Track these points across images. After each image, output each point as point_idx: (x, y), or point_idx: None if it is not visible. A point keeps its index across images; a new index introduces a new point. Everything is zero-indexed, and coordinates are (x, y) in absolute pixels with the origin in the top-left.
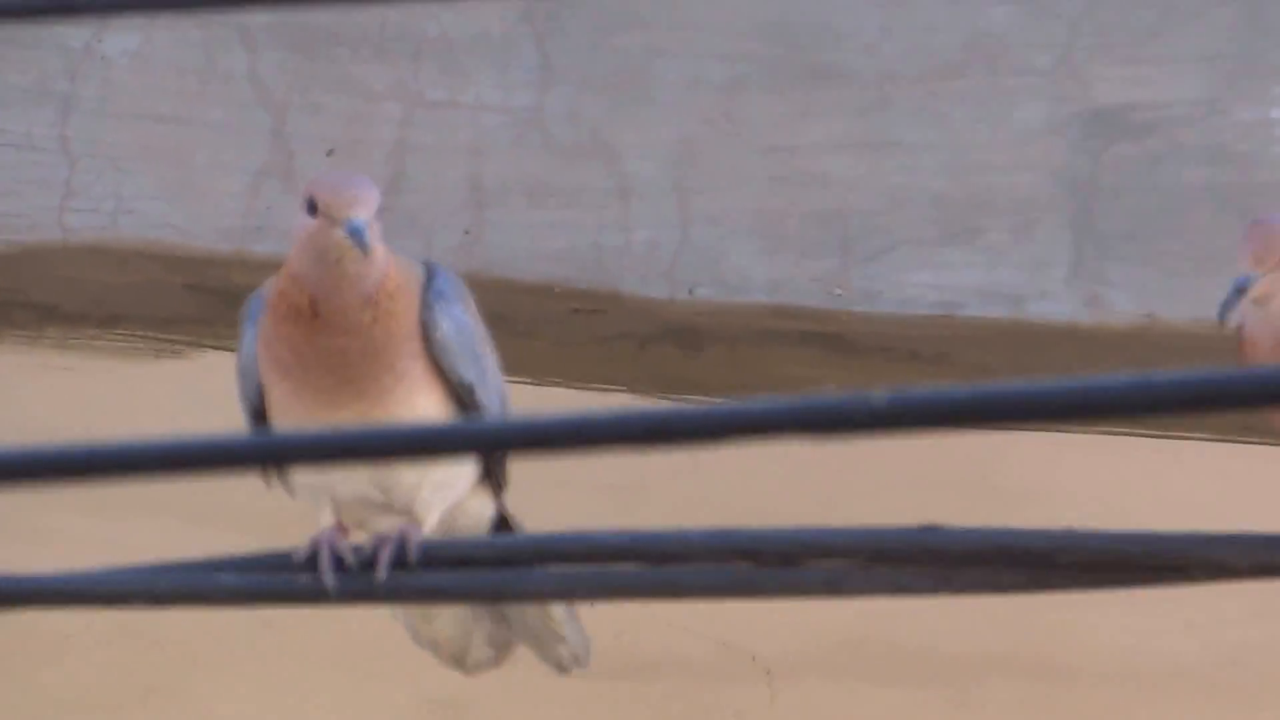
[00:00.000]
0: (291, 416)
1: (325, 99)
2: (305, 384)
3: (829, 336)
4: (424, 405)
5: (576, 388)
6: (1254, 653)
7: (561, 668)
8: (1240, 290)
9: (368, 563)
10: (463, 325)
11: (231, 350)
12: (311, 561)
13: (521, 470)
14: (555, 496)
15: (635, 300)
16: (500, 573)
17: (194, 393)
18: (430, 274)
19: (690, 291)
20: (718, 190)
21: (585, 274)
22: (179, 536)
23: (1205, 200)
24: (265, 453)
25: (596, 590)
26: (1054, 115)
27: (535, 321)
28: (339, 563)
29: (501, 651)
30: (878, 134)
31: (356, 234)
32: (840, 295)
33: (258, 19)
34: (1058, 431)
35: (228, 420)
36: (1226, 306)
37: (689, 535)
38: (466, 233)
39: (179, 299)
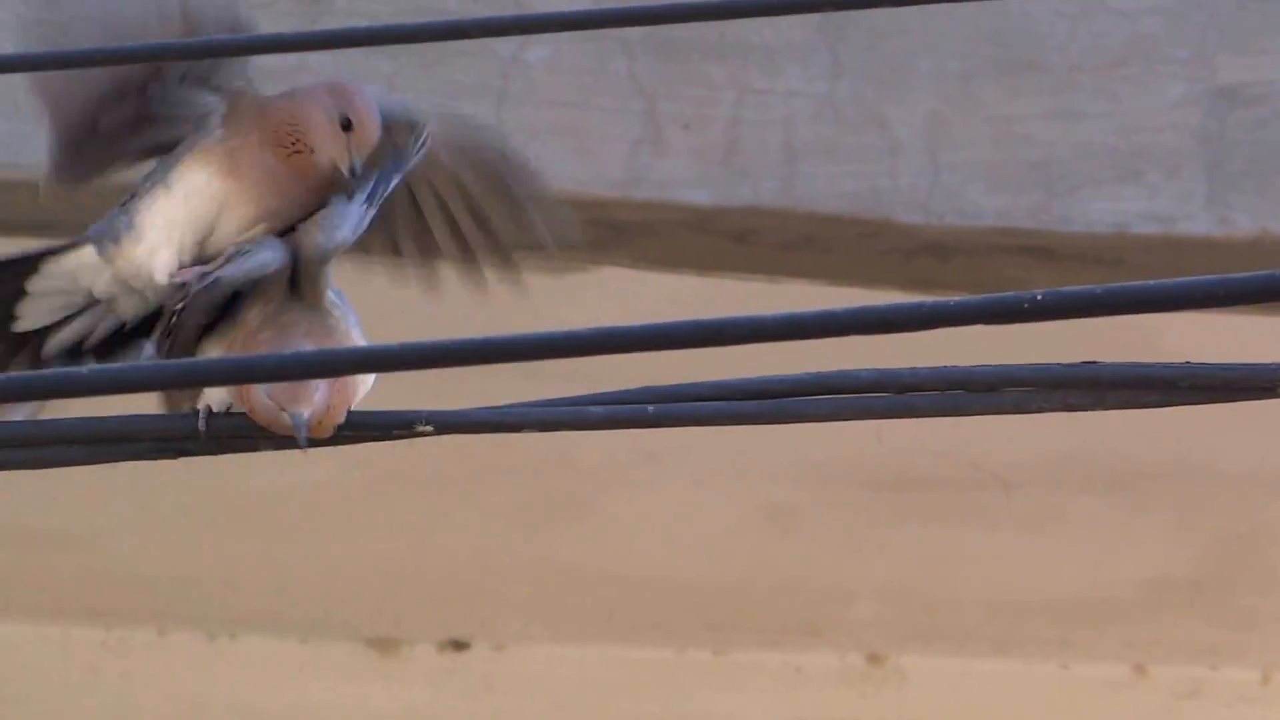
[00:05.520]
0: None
1: (681, 89)
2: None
3: (1038, 249)
4: None
5: (861, 288)
6: None
7: None
8: None
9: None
10: None
11: (618, 266)
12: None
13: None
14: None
15: (902, 225)
16: (782, 401)
17: (592, 296)
18: None
19: (940, 218)
20: (958, 148)
21: (867, 207)
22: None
23: None
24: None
25: (859, 412)
26: (1191, 91)
27: (832, 241)
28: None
29: None
30: (1068, 107)
31: (356, 183)
32: (1045, 219)
33: (634, 34)
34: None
35: (613, 311)
36: None
37: (919, 370)
38: (783, 180)
39: (583, 230)
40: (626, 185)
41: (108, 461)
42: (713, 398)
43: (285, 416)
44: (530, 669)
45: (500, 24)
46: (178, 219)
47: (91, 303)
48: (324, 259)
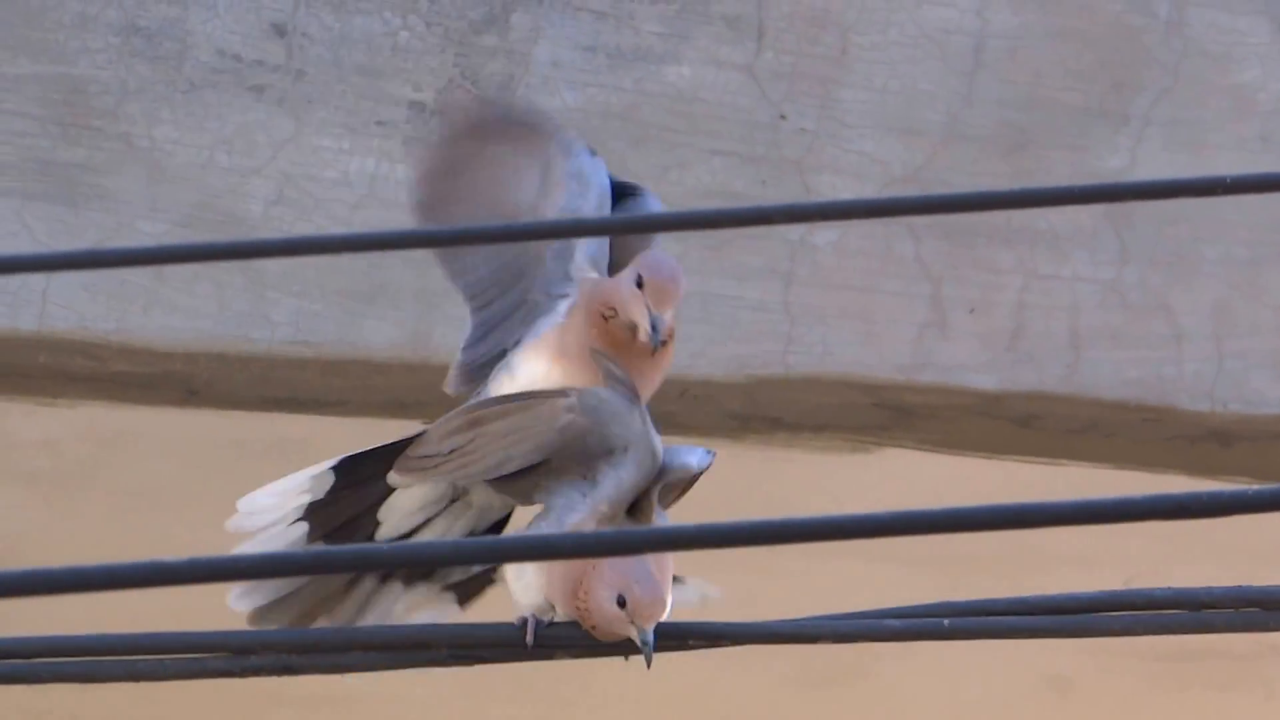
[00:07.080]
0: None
1: (968, 273)
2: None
3: None
4: None
5: (1144, 472)
6: None
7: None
8: None
9: None
10: None
11: (902, 448)
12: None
13: None
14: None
15: (1187, 413)
16: (1080, 617)
17: (879, 477)
18: None
19: (1225, 406)
20: (1243, 335)
21: (1152, 394)
22: (866, 573)
23: None
24: None
25: (1155, 628)
26: None
27: (1116, 427)
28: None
29: None
30: None
31: (653, 336)
32: None
33: (921, 219)
34: None
35: (897, 493)
36: None
37: (1214, 590)
38: (1068, 366)
39: (868, 413)
40: (912, 369)
41: (406, 667)
42: (1008, 612)
43: (631, 629)
44: None
45: (803, 210)
46: None
47: (450, 501)
48: (685, 480)
